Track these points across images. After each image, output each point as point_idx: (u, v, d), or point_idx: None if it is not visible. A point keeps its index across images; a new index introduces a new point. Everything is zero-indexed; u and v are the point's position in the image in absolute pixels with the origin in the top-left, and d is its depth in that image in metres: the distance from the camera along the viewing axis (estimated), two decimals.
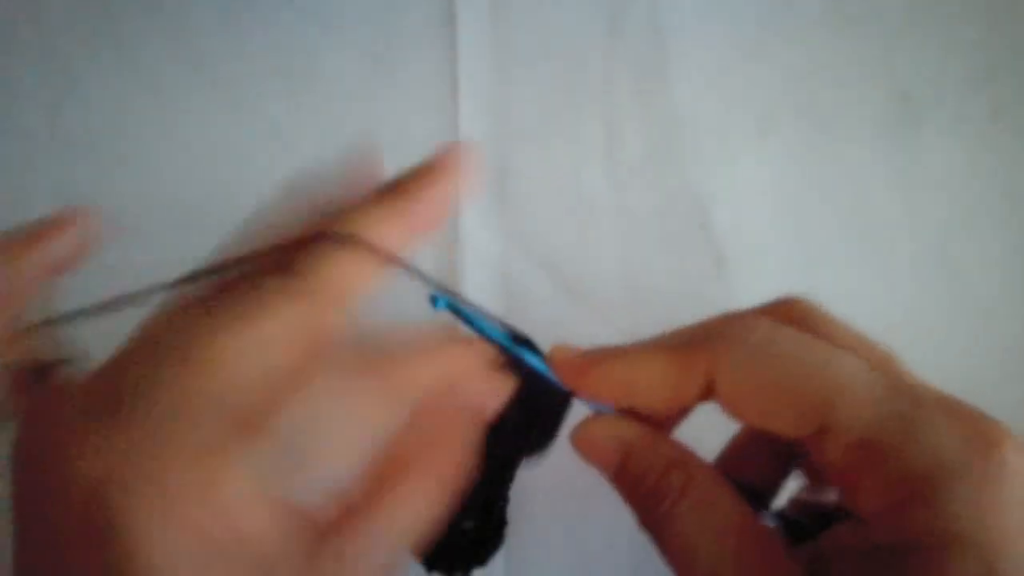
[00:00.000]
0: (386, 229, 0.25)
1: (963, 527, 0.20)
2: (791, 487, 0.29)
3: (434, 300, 0.27)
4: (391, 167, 0.42)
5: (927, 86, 0.44)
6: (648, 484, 0.26)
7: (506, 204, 0.42)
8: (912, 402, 0.23)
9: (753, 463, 0.29)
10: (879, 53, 0.44)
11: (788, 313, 0.27)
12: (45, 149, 0.42)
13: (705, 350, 0.25)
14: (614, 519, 0.40)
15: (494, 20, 0.44)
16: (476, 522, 0.34)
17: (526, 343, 0.28)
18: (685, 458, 0.26)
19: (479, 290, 0.41)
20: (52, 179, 0.42)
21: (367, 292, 0.24)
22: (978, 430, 0.22)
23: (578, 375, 0.27)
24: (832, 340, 0.25)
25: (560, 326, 0.41)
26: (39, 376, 0.24)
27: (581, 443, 0.27)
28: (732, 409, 0.25)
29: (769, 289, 0.42)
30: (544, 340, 0.28)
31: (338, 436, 0.21)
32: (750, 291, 0.42)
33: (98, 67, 0.43)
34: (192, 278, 0.24)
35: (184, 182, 0.42)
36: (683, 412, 0.29)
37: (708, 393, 0.25)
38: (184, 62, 0.43)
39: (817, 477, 0.29)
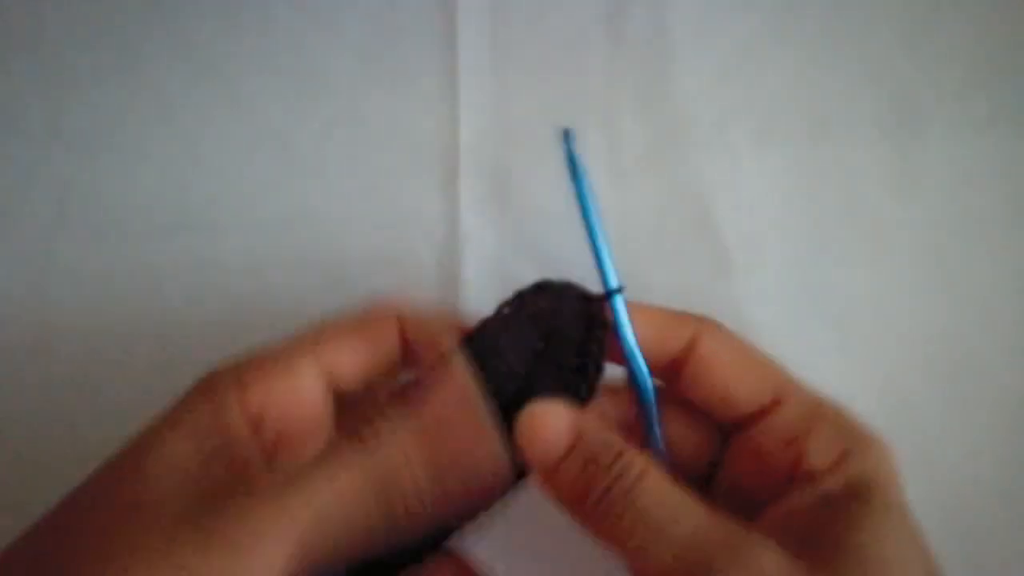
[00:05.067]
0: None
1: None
2: None
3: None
4: (390, 166, 0.43)
5: (927, 89, 0.44)
6: (604, 462, 0.26)
7: (506, 204, 0.42)
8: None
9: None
10: (879, 56, 0.44)
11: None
12: (45, 149, 0.42)
13: (695, 319, 0.31)
14: None
15: (494, 19, 0.44)
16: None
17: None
18: (632, 447, 0.27)
19: (479, 290, 0.41)
20: (52, 179, 0.42)
21: None
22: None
23: None
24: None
25: None
26: None
27: (528, 426, 0.27)
28: (705, 375, 0.30)
29: (770, 288, 0.42)
30: None
31: None
32: (751, 291, 0.42)
33: (98, 67, 0.43)
34: None
35: (185, 182, 0.42)
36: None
37: (687, 353, 0.30)
38: (184, 62, 0.43)
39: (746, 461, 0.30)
